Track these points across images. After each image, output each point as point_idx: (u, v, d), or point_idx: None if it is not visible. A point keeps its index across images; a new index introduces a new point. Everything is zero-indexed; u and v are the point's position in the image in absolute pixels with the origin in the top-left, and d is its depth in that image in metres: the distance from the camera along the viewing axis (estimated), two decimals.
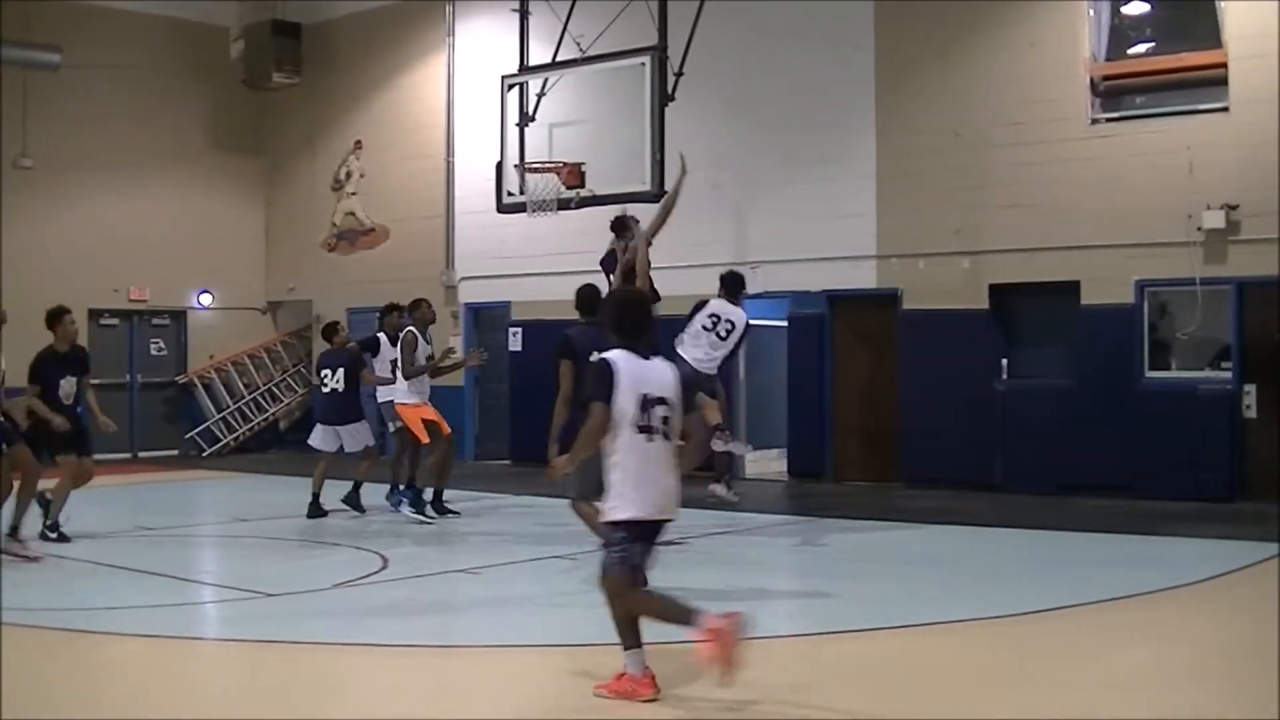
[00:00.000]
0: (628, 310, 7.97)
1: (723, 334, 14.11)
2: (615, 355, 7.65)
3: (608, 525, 7.66)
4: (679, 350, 13.77)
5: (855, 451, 19.42)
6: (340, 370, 16.15)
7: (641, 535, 7.60)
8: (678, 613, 7.42)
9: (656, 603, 7.68)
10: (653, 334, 7.93)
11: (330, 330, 16.97)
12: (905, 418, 18.70)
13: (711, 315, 14.21)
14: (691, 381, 12.42)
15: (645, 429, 7.54)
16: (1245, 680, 8.22)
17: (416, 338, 15.76)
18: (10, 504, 12.97)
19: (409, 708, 7.89)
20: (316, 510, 15.90)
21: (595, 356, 8.56)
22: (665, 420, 7.63)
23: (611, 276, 14.07)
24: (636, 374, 7.59)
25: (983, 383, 18.12)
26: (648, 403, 7.58)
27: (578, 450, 7.86)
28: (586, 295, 11.92)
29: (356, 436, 16.26)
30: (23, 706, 7.59)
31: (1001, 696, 7.88)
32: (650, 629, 7.60)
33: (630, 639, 7.58)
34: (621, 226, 14.33)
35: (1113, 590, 10.97)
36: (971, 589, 11.51)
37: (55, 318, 13.91)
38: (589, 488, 10.34)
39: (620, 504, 7.58)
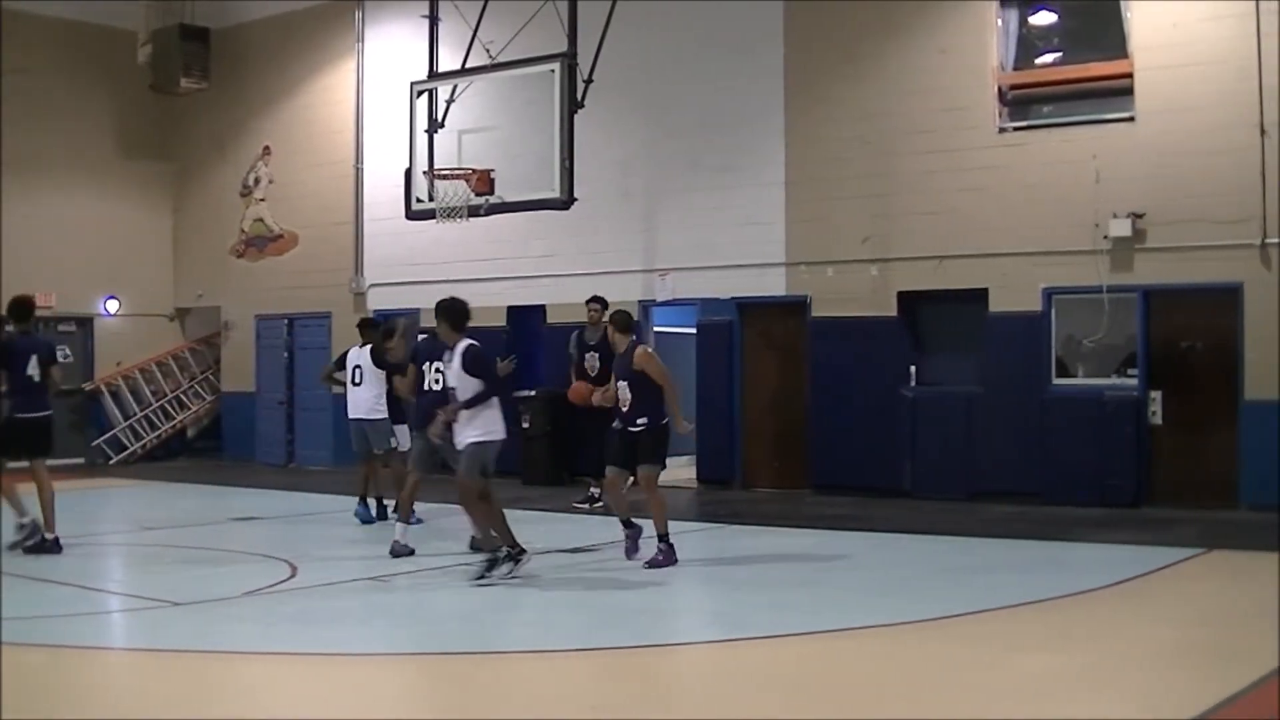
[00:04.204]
0: None
1: None
2: None
3: None
4: None
5: (765, 458, 19.44)
6: None
7: None
8: None
9: None
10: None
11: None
12: (814, 424, 18.73)
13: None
14: None
15: None
16: (1148, 685, 8.27)
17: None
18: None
19: (317, 714, 7.81)
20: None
21: None
22: None
23: None
24: None
25: (891, 389, 18.19)
26: None
27: None
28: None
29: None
30: None
31: (906, 702, 7.87)
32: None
33: None
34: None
35: (1021, 596, 11.02)
36: (880, 595, 11.52)
37: None
38: None
39: None
